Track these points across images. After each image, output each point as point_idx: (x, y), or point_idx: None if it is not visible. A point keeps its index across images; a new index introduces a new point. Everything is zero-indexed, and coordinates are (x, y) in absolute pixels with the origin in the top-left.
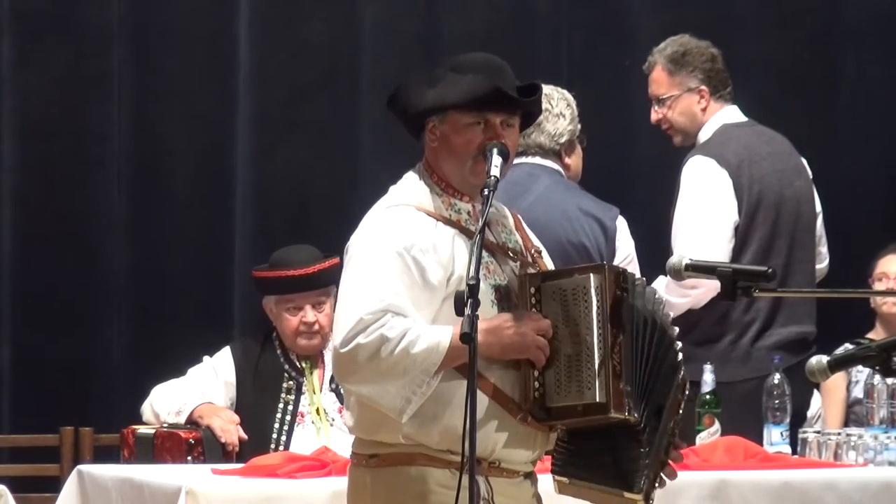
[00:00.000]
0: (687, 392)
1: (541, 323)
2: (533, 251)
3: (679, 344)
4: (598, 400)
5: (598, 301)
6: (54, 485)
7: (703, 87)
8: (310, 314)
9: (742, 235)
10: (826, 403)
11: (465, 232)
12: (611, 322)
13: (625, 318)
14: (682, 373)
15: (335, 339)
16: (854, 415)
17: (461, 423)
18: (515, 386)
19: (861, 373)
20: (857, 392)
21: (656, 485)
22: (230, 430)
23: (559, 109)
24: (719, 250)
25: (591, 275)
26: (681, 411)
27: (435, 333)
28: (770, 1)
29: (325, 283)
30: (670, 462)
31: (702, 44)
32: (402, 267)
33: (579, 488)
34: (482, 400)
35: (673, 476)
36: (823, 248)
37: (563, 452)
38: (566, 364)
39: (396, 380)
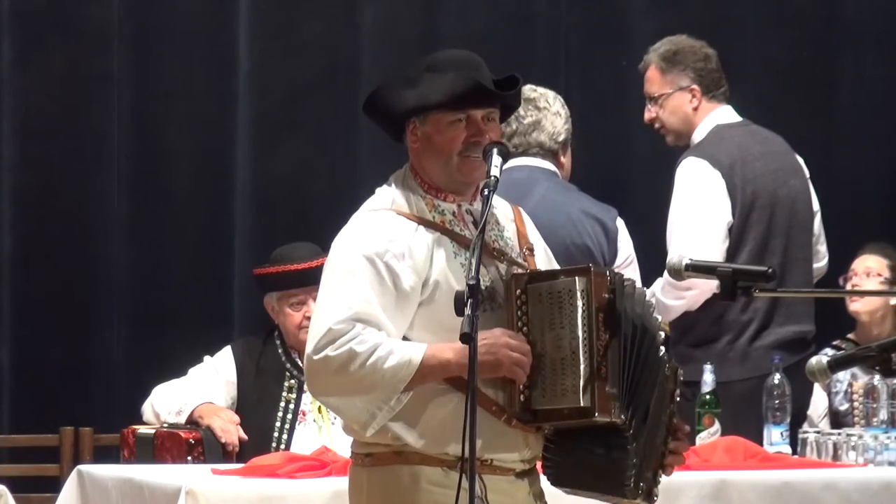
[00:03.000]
0: (681, 378)
1: (522, 345)
2: (525, 249)
3: (663, 344)
4: (582, 404)
5: (583, 304)
6: (54, 485)
7: (695, 87)
8: (313, 308)
9: (737, 236)
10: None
11: (448, 234)
12: (597, 325)
13: (611, 321)
14: (667, 365)
15: (307, 346)
16: (839, 425)
17: (443, 429)
18: (499, 389)
19: (841, 382)
20: (839, 403)
21: (659, 478)
22: (230, 430)
23: (556, 109)
24: (713, 251)
25: (577, 278)
26: (676, 399)
27: (407, 350)
28: (769, 1)
29: None
30: (673, 451)
31: (696, 43)
32: (373, 274)
33: (580, 493)
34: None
35: (680, 461)
36: (822, 247)
37: (552, 460)
38: (551, 367)
39: (363, 395)
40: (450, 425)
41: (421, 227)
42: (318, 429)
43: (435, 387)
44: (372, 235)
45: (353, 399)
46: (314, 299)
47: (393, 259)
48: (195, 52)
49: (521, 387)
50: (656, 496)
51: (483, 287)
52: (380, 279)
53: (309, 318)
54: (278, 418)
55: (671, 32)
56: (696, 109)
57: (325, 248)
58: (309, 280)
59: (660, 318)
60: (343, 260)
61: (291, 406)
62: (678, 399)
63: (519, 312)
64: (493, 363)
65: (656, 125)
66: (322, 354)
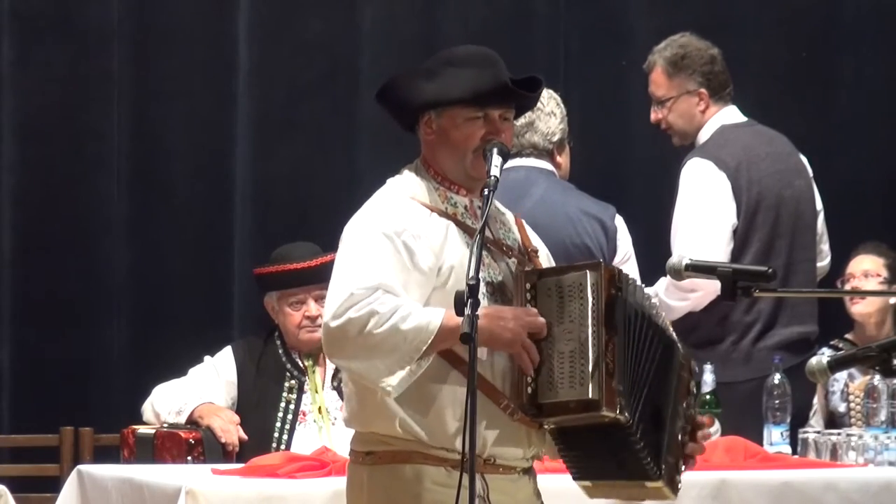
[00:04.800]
0: (695, 369)
1: (536, 321)
2: (530, 249)
3: (673, 334)
4: (590, 397)
5: (593, 298)
6: (54, 485)
7: (703, 90)
8: (313, 307)
9: (742, 237)
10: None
11: (461, 225)
12: (605, 320)
13: (619, 317)
14: (679, 355)
15: (325, 315)
16: (835, 424)
17: (450, 418)
18: (507, 381)
19: (837, 382)
20: (835, 404)
21: (682, 467)
22: (230, 430)
23: (550, 108)
24: (717, 253)
25: (588, 272)
26: (693, 391)
27: (426, 313)
28: (768, 1)
29: (327, 277)
30: (699, 440)
31: (702, 45)
32: (392, 249)
33: (605, 488)
34: (477, 396)
35: (700, 450)
36: (825, 246)
37: (572, 459)
38: (559, 361)
39: (385, 356)
40: (460, 420)
41: (434, 215)
42: (319, 429)
43: (445, 376)
44: (389, 215)
45: (375, 361)
46: (314, 299)
47: (410, 238)
48: (195, 52)
49: (528, 379)
50: (679, 485)
51: (494, 281)
52: (398, 255)
53: (308, 318)
54: (278, 419)
55: (671, 32)
56: (703, 112)
57: (325, 248)
58: (308, 279)
59: (664, 313)
60: (361, 236)
61: (292, 406)
62: (694, 391)
63: (528, 306)
64: (510, 341)
65: (662, 126)
66: (344, 317)
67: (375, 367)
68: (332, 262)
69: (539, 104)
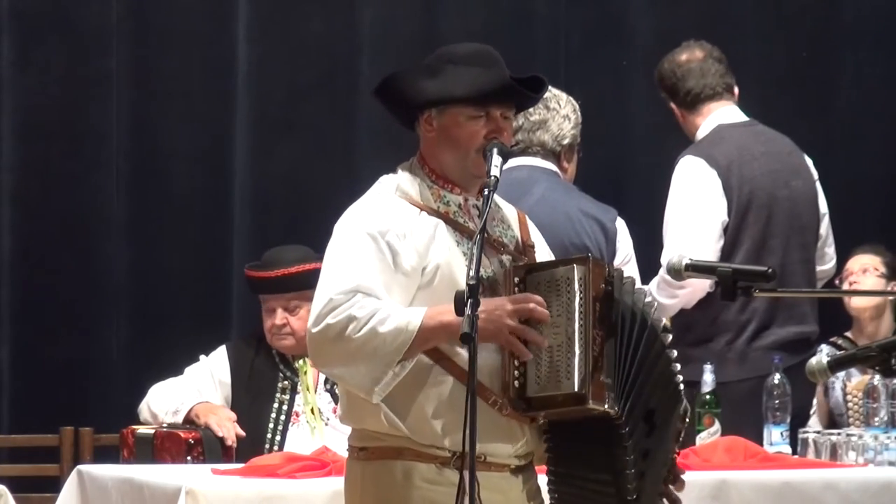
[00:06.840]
0: (688, 421)
1: (524, 307)
2: (526, 245)
3: (674, 352)
4: (576, 390)
5: (580, 292)
6: (54, 485)
7: (672, 105)
8: (278, 316)
9: (733, 235)
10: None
11: (452, 224)
12: (594, 314)
13: (609, 312)
14: (683, 404)
15: (308, 322)
16: (834, 424)
17: (435, 416)
18: (495, 376)
19: (837, 380)
20: (833, 402)
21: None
22: (227, 425)
23: (566, 112)
24: (706, 249)
25: (575, 266)
26: (680, 440)
27: (405, 314)
28: (768, 1)
29: (300, 287)
30: (673, 490)
31: (676, 58)
32: (374, 250)
33: None
34: (461, 392)
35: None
36: (829, 249)
37: (555, 480)
38: (547, 354)
39: (366, 360)
40: (446, 416)
41: (424, 213)
42: (312, 430)
43: (428, 372)
44: (374, 215)
45: (357, 366)
46: (283, 307)
47: (394, 238)
48: (195, 52)
49: (515, 373)
50: None
51: (485, 277)
52: (381, 256)
53: (277, 326)
54: (271, 419)
55: (671, 32)
56: (684, 121)
57: (321, 250)
58: (276, 288)
59: (662, 315)
60: (345, 237)
61: (285, 407)
62: (682, 439)
63: (518, 294)
64: (493, 332)
65: None
66: (323, 324)
67: (358, 371)
68: (311, 272)
69: (556, 105)
